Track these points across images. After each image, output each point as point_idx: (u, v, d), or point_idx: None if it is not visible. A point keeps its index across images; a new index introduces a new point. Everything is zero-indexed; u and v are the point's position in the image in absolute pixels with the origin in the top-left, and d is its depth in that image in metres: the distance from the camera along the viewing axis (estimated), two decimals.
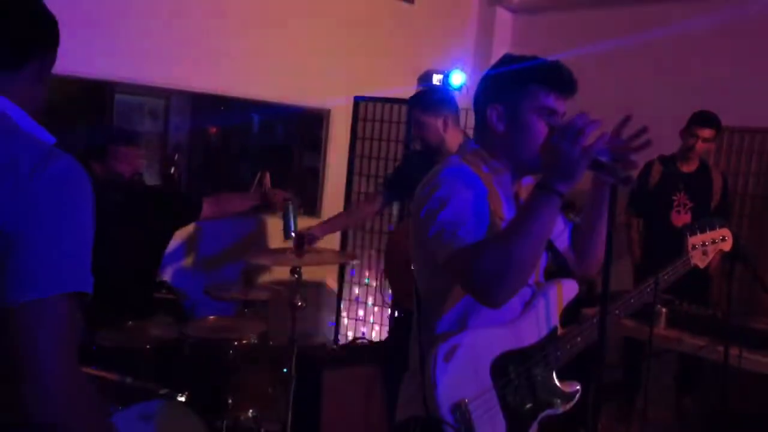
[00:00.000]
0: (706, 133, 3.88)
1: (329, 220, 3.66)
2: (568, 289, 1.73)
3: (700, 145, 3.91)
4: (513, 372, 1.57)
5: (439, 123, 3.14)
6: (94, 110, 4.59)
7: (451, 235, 1.44)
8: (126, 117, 4.96)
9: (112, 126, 4.57)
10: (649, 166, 4.07)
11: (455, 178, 1.53)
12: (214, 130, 5.88)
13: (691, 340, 2.98)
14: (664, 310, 3.11)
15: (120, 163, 3.05)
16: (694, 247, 1.96)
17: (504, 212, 1.60)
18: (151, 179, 4.82)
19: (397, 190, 3.46)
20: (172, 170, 5.33)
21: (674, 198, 3.97)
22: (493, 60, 1.71)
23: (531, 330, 1.64)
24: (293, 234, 3.13)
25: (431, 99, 3.32)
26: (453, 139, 3.16)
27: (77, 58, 3.58)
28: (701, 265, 1.99)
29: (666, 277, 1.89)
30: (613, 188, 1.47)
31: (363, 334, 4.92)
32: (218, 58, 4.22)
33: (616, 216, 1.52)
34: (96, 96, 4.50)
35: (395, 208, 4.87)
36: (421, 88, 5.18)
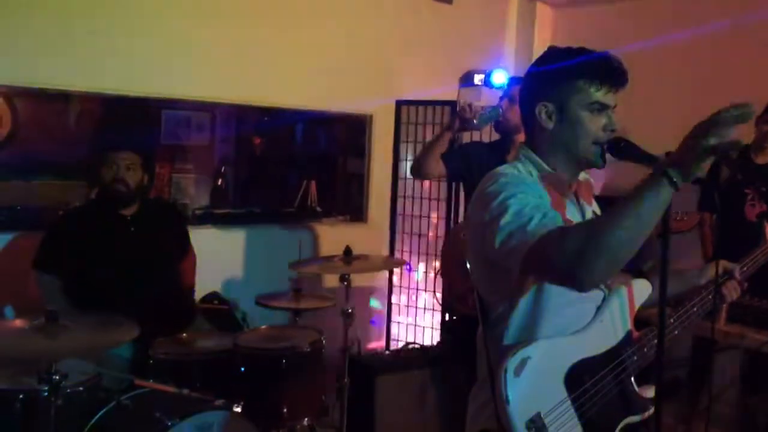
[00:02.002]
0: None
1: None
2: (640, 290, 1.66)
3: None
4: (589, 381, 1.50)
5: None
6: (143, 126, 4.68)
7: (522, 235, 1.35)
8: (174, 131, 5.04)
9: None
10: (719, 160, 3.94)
11: (512, 182, 1.48)
12: (258, 140, 5.93)
13: (755, 335, 2.87)
14: (724, 304, 3.00)
15: (104, 170, 2.97)
16: None
17: (566, 213, 1.54)
18: (200, 192, 4.89)
19: (458, 164, 3.25)
20: (220, 182, 5.41)
21: (747, 191, 3.85)
22: (535, 57, 1.66)
23: (605, 336, 1.57)
24: (475, 122, 3.18)
25: None
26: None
27: (124, 76, 3.64)
28: None
29: (745, 269, 1.84)
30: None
31: (415, 339, 4.89)
32: (260, 68, 4.27)
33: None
34: (144, 113, 4.58)
35: (442, 209, 4.84)
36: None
